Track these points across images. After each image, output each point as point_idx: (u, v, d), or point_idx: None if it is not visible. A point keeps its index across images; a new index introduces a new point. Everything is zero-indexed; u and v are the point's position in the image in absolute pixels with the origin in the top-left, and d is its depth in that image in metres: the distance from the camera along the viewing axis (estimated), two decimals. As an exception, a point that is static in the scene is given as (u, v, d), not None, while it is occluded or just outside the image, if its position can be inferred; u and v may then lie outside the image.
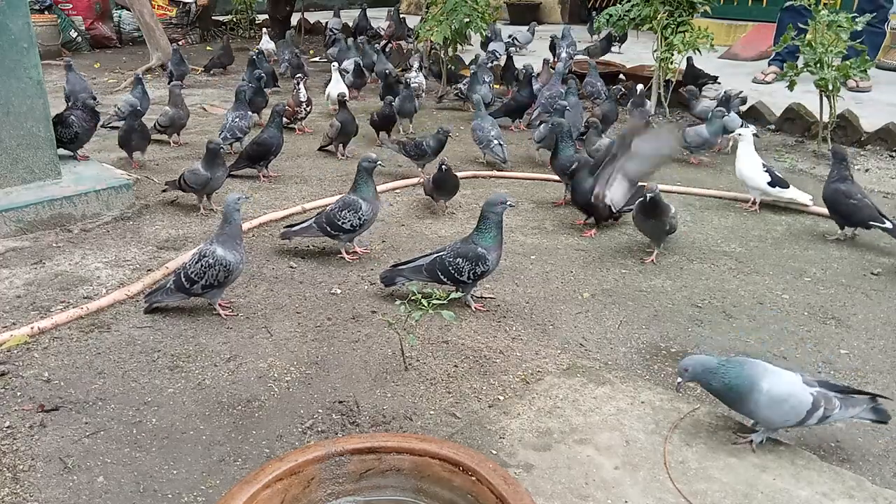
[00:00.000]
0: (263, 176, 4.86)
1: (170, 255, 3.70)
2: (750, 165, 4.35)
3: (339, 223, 3.51)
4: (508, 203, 3.11)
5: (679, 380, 2.32)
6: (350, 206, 3.52)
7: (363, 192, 3.57)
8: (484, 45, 8.77)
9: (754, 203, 4.44)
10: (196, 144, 5.65)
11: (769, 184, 4.30)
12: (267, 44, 8.95)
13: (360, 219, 3.54)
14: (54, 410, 2.48)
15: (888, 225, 3.72)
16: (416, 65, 7.14)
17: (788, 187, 4.32)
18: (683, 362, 2.31)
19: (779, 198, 4.38)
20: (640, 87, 5.99)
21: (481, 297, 3.29)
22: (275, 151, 4.79)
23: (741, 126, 4.91)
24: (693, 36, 5.96)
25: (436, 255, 3.20)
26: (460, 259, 3.09)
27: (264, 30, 9.26)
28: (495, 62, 7.77)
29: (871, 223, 3.77)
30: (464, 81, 6.77)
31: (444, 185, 4.22)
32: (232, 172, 4.72)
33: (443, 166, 4.09)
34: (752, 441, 2.28)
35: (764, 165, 4.36)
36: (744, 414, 2.33)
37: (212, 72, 8.66)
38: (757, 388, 2.21)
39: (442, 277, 3.14)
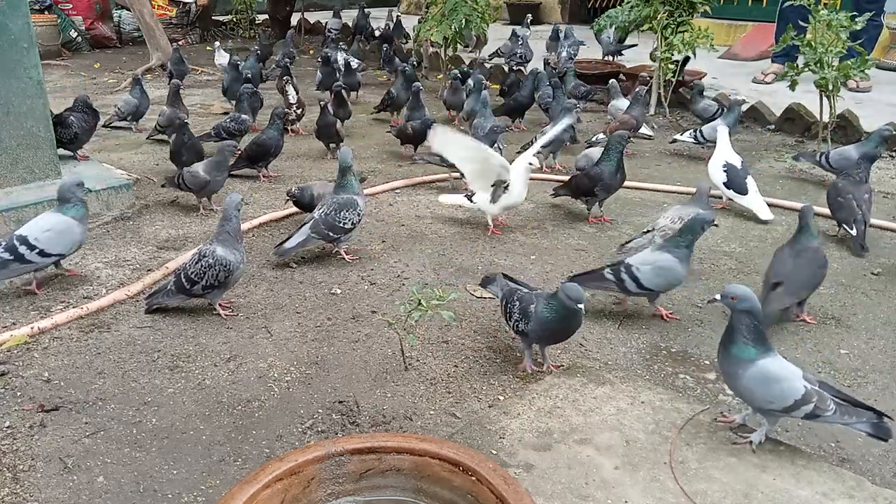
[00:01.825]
0: (263, 176, 4.87)
1: (170, 255, 3.70)
2: (714, 161, 4.34)
3: (342, 225, 3.51)
4: (582, 309, 2.58)
5: (718, 297, 2.29)
6: (348, 205, 3.51)
7: (354, 189, 3.58)
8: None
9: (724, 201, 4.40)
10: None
11: (724, 184, 4.28)
12: (221, 58, 8.02)
13: (358, 215, 3.54)
14: (54, 410, 2.48)
15: (853, 232, 3.77)
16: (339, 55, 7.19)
17: (746, 193, 4.24)
18: (737, 289, 2.25)
19: (732, 200, 4.34)
20: (612, 81, 6.00)
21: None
22: (274, 152, 4.79)
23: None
24: (693, 36, 5.96)
25: (523, 288, 2.86)
26: (518, 303, 2.71)
27: (217, 43, 8.49)
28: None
29: (843, 225, 3.83)
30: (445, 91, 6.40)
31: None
32: (232, 172, 4.73)
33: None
34: (751, 441, 2.28)
35: (726, 164, 4.26)
36: (727, 380, 2.34)
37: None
38: (752, 363, 2.22)
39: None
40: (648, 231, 3.51)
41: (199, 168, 4.13)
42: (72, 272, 3.46)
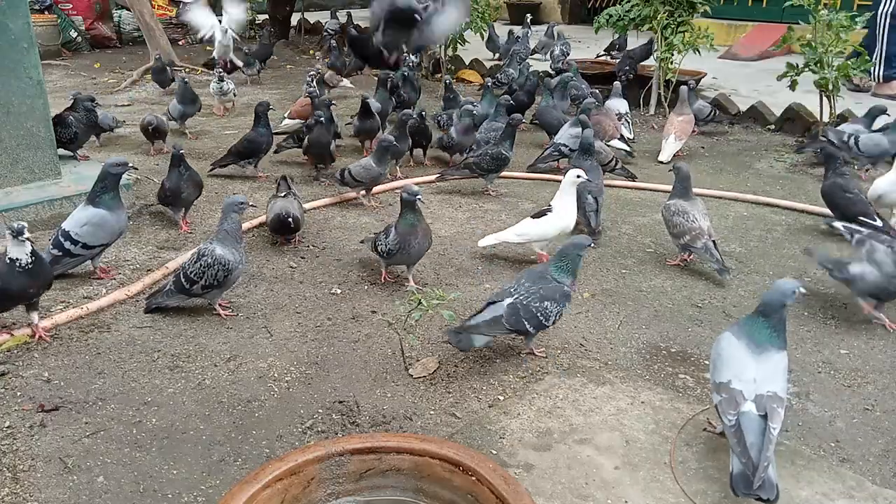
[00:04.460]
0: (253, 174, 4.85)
1: (170, 255, 3.70)
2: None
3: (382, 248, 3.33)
4: (591, 244, 2.87)
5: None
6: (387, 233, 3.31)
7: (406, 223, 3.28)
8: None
9: None
10: (190, 147, 5.66)
11: None
12: (224, 84, 6.49)
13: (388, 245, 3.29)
14: (54, 410, 2.48)
15: (878, 223, 3.75)
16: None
17: None
18: (779, 281, 2.23)
19: None
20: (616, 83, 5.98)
21: None
22: (265, 149, 4.76)
23: None
24: (693, 36, 5.97)
25: (512, 301, 2.71)
26: (548, 303, 2.70)
27: (218, 71, 6.70)
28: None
29: (862, 218, 3.79)
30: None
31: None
32: (221, 165, 4.75)
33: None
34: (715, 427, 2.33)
35: None
36: None
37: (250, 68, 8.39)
38: (728, 331, 2.27)
39: (528, 327, 2.70)
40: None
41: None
42: (103, 271, 3.47)
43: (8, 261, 2.71)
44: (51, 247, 3.29)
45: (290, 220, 3.66)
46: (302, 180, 4.86)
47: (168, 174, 3.95)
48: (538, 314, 2.68)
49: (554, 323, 2.75)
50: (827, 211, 4.05)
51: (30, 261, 2.72)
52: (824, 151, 4.07)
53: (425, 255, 3.42)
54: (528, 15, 9.47)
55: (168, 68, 7.44)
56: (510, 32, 8.62)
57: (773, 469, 1.99)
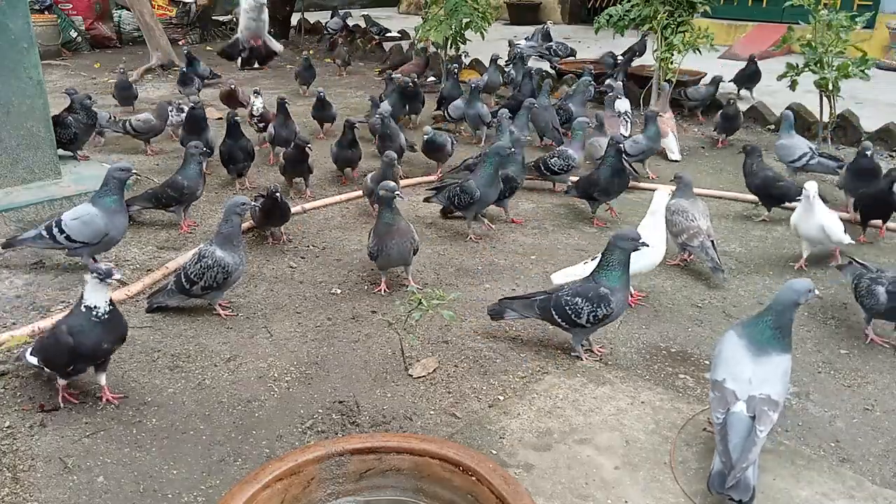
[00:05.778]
0: (240, 185, 4.75)
1: (170, 255, 3.70)
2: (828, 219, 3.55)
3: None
4: (643, 241, 2.66)
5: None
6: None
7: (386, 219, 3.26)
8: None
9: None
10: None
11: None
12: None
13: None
14: (54, 410, 2.48)
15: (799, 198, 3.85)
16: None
17: None
18: (792, 281, 2.23)
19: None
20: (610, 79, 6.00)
21: (590, 349, 2.90)
22: (242, 158, 4.59)
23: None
24: (693, 36, 5.96)
25: (552, 292, 2.83)
26: (579, 298, 2.69)
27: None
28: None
29: (796, 198, 3.89)
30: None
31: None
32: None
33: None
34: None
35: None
36: None
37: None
38: (728, 332, 2.27)
39: (556, 317, 2.76)
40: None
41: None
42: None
43: (84, 308, 2.36)
44: (42, 227, 3.35)
45: (277, 194, 3.61)
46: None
47: (183, 170, 3.91)
48: (566, 307, 2.72)
49: (591, 323, 2.69)
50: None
51: (107, 310, 2.38)
52: (745, 149, 4.29)
53: (426, 255, 3.40)
54: (543, 24, 9.54)
55: (133, 85, 6.66)
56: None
57: (754, 472, 1.99)
